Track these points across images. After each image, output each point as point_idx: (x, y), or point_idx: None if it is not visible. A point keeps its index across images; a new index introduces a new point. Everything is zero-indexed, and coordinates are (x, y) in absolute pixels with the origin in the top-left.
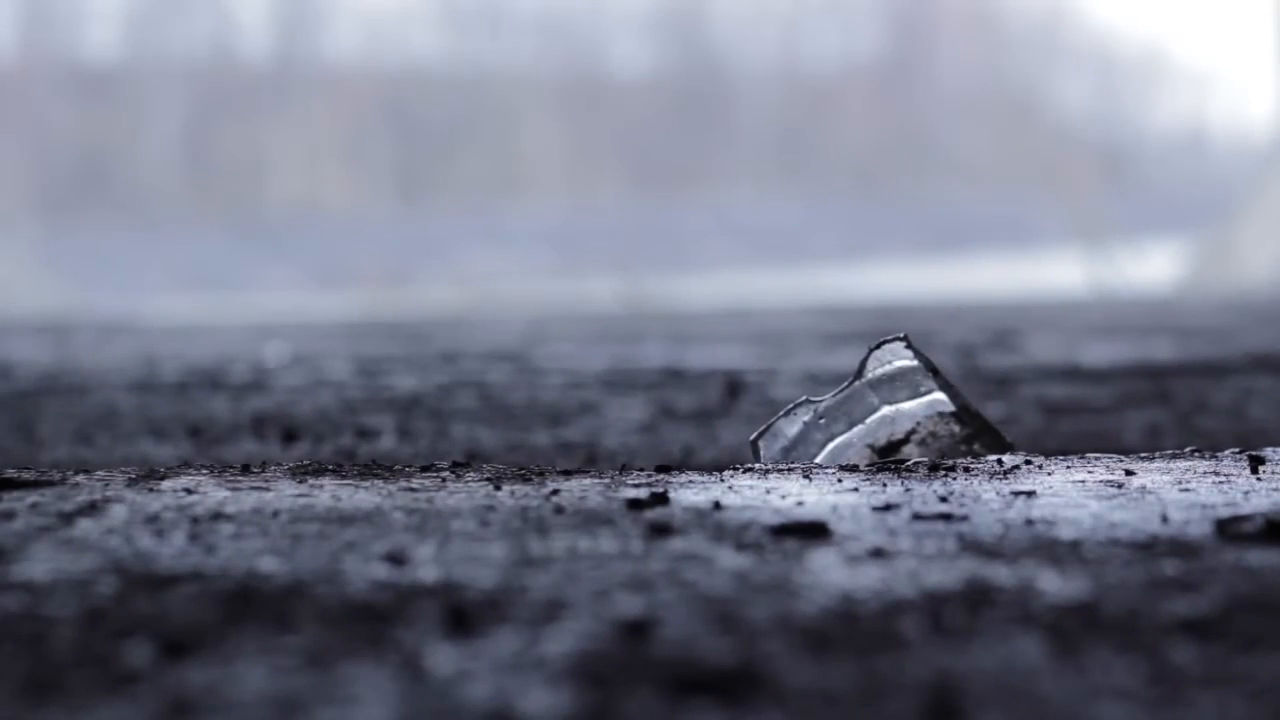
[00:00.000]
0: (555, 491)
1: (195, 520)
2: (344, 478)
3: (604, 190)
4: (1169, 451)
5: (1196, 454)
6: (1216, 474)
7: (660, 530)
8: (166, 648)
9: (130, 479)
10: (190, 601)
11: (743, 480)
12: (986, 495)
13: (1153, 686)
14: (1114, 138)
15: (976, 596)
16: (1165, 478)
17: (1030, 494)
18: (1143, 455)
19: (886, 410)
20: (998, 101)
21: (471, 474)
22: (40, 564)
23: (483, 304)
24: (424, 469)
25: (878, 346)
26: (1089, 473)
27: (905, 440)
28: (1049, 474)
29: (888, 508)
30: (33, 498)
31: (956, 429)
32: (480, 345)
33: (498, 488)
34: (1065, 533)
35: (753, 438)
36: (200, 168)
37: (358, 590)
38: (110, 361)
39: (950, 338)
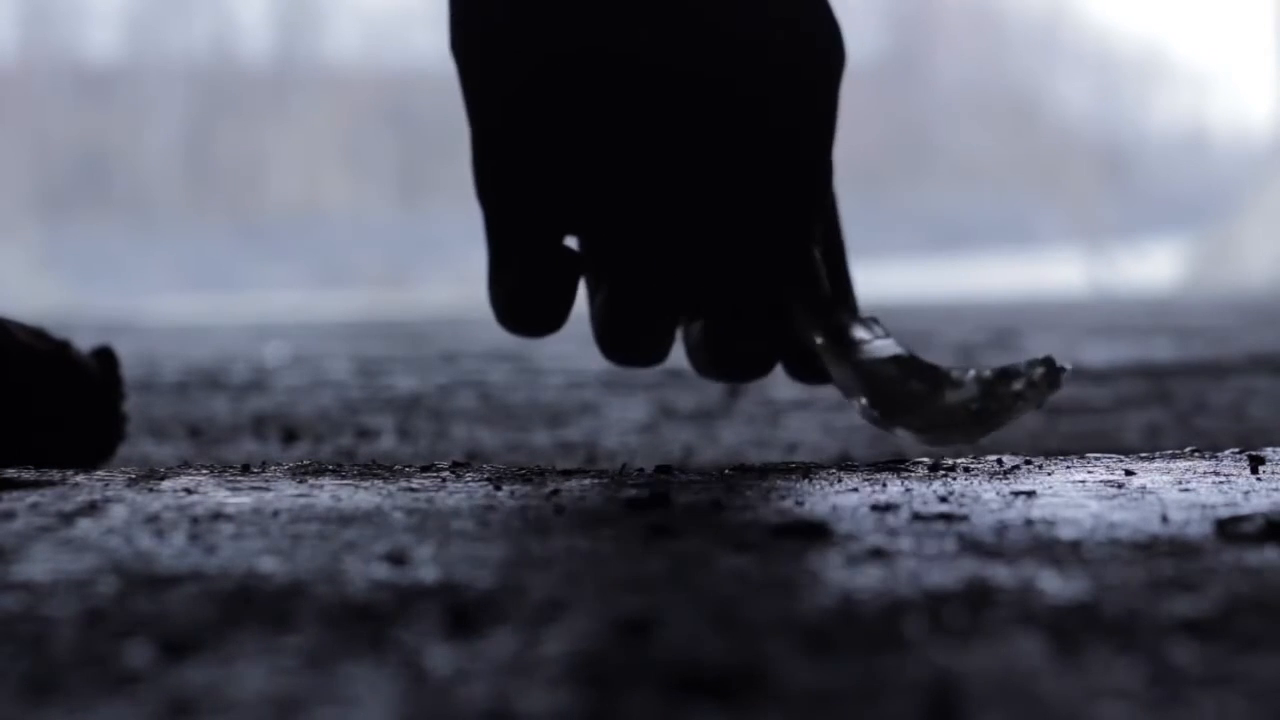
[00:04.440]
0: (555, 491)
1: (195, 520)
2: (344, 478)
3: None
4: (1169, 451)
5: (1196, 454)
6: (1216, 474)
7: (660, 530)
8: (166, 648)
9: (130, 479)
10: (190, 601)
11: (743, 480)
12: (986, 495)
13: (1153, 686)
14: (1114, 138)
15: (977, 596)
16: (1165, 478)
17: (1030, 494)
18: (1143, 455)
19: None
20: (998, 101)
21: (471, 474)
22: (40, 564)
23: (483, 304)
24: (424, 469)
25: None
26: (1089, 473)
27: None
28: (1049, 474)
29: (888, 508)
30: (33, 498)
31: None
32: (480, 345)
33: (498, 488)
34: (1065, 533)
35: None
36: (200, 168)
37: (358, 590)
38: None
39: (950, 338)
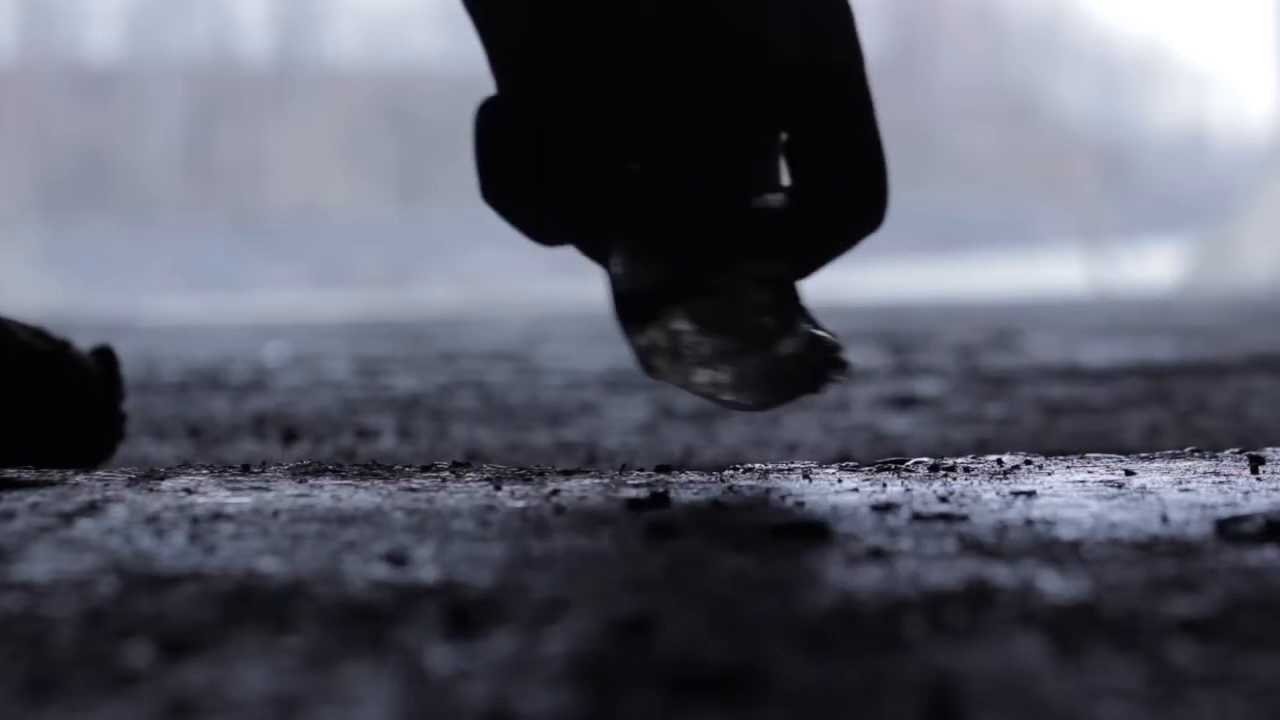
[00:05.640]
0: (555, 491)
1: (195, 520)
2: (344, 478)
3: None
4: (1169, 451)
5: (1196, 454)
6: (1216, 474)
7: (660, 530)
8: (166, 648)
9: (130, 479)
10: (190, 601)
11: (743, 480)
12: (986, 495)
13: (1153, 686)
14: (1114, 138)
15: (977, 596)
16: (1165, 478)
17: (1030, 494)
18: (1143, 455)
19: None
20: (998, 101)
21: (471, 474)
22: (40, 564)
23: (483, 304)
24: (424, 469)
25: None
26: (1089, 473)
27: None
28: (1049, 474)
29: (888, 507)
30: (33, 498)
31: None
32: (480, 345)
33: (498, 488)
34: (1065, 533)
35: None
36: (200, 168)
37: (358, 590)
38: None
39: (950, 338)
